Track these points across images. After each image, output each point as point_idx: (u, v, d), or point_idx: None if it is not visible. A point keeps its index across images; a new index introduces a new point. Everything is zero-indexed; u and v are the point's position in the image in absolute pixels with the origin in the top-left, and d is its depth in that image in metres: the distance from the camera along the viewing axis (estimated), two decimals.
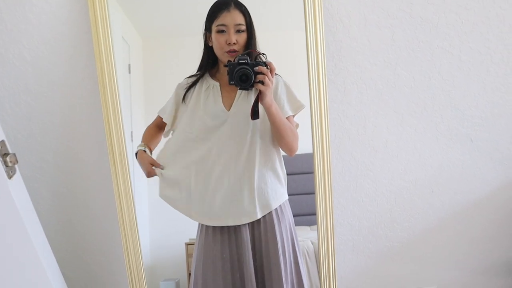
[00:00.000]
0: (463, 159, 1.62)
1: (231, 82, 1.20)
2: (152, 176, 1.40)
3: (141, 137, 1.46)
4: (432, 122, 1.57)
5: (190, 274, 1.49)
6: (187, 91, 1.38)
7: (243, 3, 1.33)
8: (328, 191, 1.47)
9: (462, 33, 1.52)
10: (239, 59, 1.20)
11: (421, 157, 1.61)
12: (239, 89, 1.24)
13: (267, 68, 1.20)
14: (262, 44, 1.34)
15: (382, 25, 1.46)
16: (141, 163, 1.41)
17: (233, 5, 1.31)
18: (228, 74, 1.21)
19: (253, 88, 1.22)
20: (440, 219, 1.67)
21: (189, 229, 1.48)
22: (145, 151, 1.41)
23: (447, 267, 1.70)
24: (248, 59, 1.20)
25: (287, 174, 1.40)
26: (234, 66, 1.19)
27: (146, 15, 1.51)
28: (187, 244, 1.54)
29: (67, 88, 1.49)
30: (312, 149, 1.46)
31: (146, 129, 1.47)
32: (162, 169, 1.39)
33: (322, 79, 1.41)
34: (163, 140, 1.45)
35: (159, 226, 1.56)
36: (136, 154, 1.42)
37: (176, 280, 1.56)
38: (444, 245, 1.69)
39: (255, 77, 1.18)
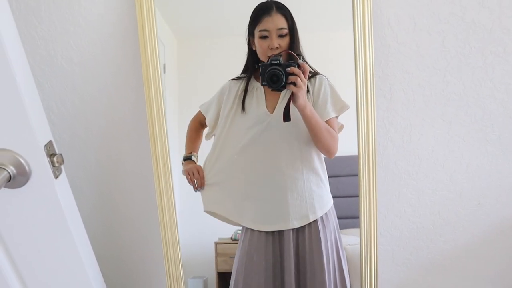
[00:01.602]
0: None
1: (263, 83, 1.17)
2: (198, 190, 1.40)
3: (186, 137, 1.44)
4: (482, 132, 1.47)
5: (218, 273, 1.50)
6: (244, 98, 1.34)
7: (285, 5, 1.28)
8: (373, 199, 1.40)
9: None
10: (272, 60, 1.16)
11: (469, 168, 1.51)
12: (271, 90, 1.20)
13: (299, 69, 1.15)
14: (305, 46, 1.30)
15: (432, 30, 1.37)
16: (190, 175, 1.40)
17: (275, 9, 1.27)
18: (260, 75, 1.18)
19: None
20: (486, 233, 1.56)
21: (219, 229, 1.47)
22: (194, 161, 1.42)
23: (491, 282, 1.59)
24: (281, 60, 1.16)
25: None
26: (266, 67, 1.16)
27: (182, 16, 1.48)
28: (217, 244, 1.52)
29: (112, 89, 1.48)
30: (357, 156, 1.39)
31: (189, 130, 1.44)
32: (201, 189, 1.40)
33: (370, 85, 1.33)
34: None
35: (189, 225, 1.53)
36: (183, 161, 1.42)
37: (204, 278, 1.54)
38: (489, 260, 1.58)
39: (287, 78, 1.14)
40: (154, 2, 1.34)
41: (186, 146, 1.44)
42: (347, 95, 1.35)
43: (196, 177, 1.39)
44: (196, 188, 1.40)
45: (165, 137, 1.41)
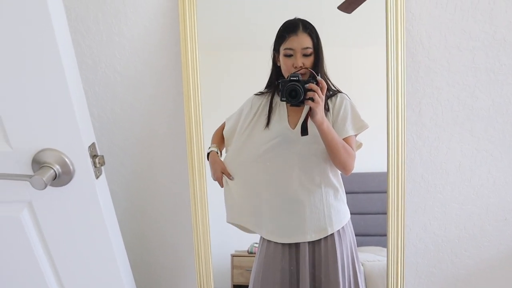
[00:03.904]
0: None
1: (282, 99, 1.17)
2: (218, 181, 1.36)
3: (211, 138, 1.39)
4: (511, 148, 1.39)
5: (234, 285, 1.46)
6: (269, 113, 1.30)
7: (312, 24, 1.23)
8: (401, 214, 1.33)
9: None
10: (291, 76, 1.16)
11: (496, 183, 1.42)
12: (290, 105, 1.20)
13: (318, 85, 1.14)
14: (331, 60, 1.26)
15: (463, 47, 1.31)
16: (212, 167, 1.36)
17: (301, 28, 1.22)
18: (279, 91, 1.17)
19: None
20: None
21: (236, 241, 1.44)
22: (217, 152, 1.36)
23: None
24: (300, 76, 1.16)
25: None
26: (286, 83, 1.16)
27: (206, 28, 1.41)
28: (233, 256, 1.47)
29: (151, 98, 1.45)
30: (387, 169, 1.32)
31: (216, 132, 1.40)
32: (231, 179, 1.33)
33: (401, 100, 1.27)
34: None
35: None
36: (208, 154, 1.37)
37: None
38: None
39: (305, 94, 1.14)
40: (197, 16, 1.31)
41: (212, 140, 1.39)
42: (369, 111, 1.30)
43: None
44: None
45: (202, 147, 1.36)
